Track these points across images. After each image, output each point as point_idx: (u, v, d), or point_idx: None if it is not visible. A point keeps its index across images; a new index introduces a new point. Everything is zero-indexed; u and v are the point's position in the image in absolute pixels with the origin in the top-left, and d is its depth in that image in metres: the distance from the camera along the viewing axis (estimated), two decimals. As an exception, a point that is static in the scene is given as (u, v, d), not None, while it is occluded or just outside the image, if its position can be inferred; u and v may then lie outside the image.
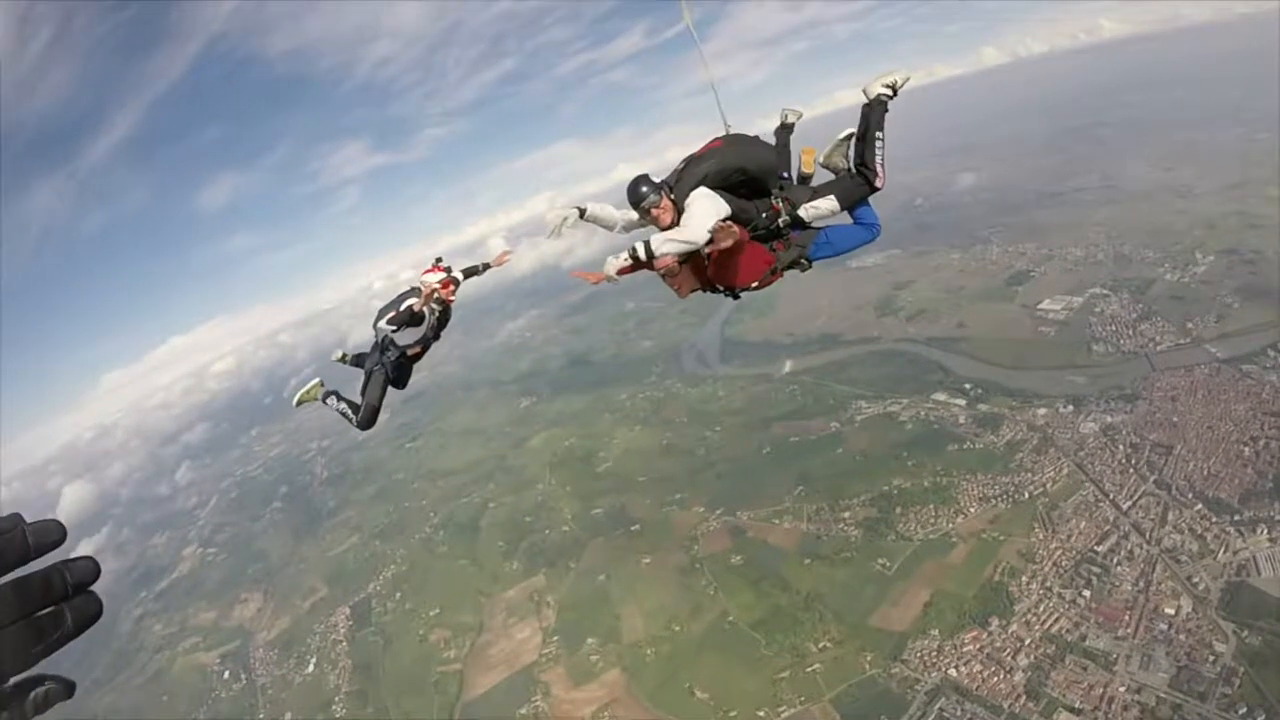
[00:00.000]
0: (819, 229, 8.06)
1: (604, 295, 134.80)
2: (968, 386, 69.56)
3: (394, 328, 9.54)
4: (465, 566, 71.71)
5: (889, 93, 7.63)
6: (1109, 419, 58.53)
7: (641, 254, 6.96)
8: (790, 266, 8.06)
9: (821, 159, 8.18)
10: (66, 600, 1.29)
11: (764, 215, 7.72)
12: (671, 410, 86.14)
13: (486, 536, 75.31)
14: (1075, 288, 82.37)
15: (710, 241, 7.06)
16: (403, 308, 9.45)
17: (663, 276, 7.34)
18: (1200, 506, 47.69)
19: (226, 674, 70.41)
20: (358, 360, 10.48)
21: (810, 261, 8.13)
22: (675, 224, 7.23)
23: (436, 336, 10.06)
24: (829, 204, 7.85)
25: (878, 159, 7.61)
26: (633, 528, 66.68)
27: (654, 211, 7.31)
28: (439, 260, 10.07)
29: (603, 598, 59.39)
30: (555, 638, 57.31)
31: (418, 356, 10.05)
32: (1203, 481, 49.70)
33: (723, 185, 7.44)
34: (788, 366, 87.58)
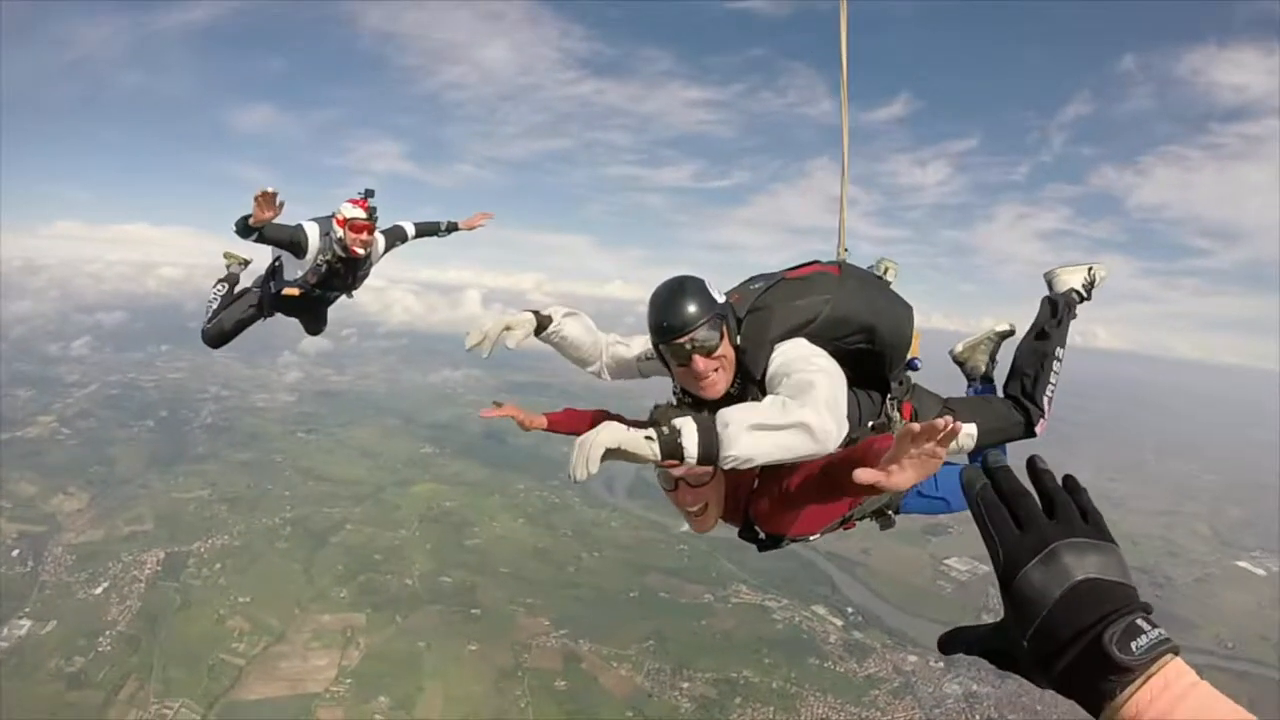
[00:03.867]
0: None
1: (547, 388, 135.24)
2: (850, 610, 69.24)
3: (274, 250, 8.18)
4: (296, 572, 68.96)
5: (1084, 292, 5.59)
6: (975, 687, 58.06)
7: (693, 450, 3.13)
8: (871, 517, 4.89)
9: (958, 350, 6.09)
10: None
11: (870, 425, 4.36)
12: (560, 519, 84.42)
13: (330, 553, 72.68)
14: (985, 556, 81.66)
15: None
16: (299, 228, 7.79)
17: (674, 488, 4.18)
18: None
19: (16, 552, 67.02)
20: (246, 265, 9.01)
21: (896, 515, 5.04)
22: (734, 391, 3.95)
23: (320, 293, 8.32)
24: (965, 433, 4.83)
25: (1049, 389, 5.11)
26: (473, 610, 64.66)
27: (699, 360, 3.79)
28: (368, 195, 7.85)
29: (414, 663, 57.16)
30: (349, 680, 54.96)
31: (291, 301, 8.36)
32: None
33: (833, 350, 4.08)
34: (685, 526, 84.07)
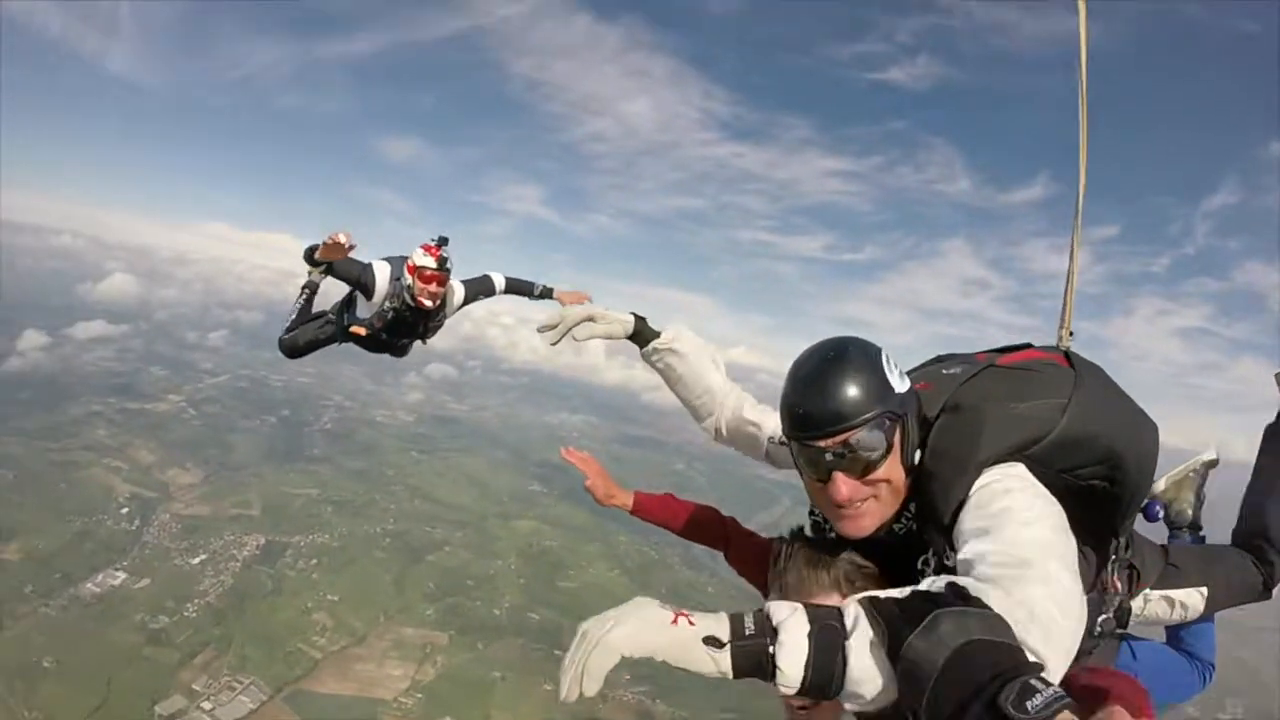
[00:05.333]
0: (1123, 637, 3.47)
1: (662, 445, 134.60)
2: None
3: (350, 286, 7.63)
4: (387, 582, 69.80)
5: None
6: None
7: (794, 675, 1.65)
8: None
9: (1159, 489, 4.62)
10: None
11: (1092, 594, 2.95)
12: (657, 577, 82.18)
13: (423, 571, 73.29)
14: None
15: None
16: (368, 267, 7.31)
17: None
18: None
19: (125, 510, 71.10)
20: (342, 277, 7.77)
21: None
22: (900, 530, 2.51)
23: (388, 341, 7.80)
24: (1193, 599, 3.56)
25: None
26: (556, 651, 62.13)
27: (842, 480, 2.32)
28: (441, 242, 7.22)
29: (486, 691, 56.57)
30: (419, 695, 55.01)
31: (357, 337, 7.87)
32: None
33: (1061, 482, 2.50)
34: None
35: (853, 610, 1.72)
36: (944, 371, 2.74)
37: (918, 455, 2.42)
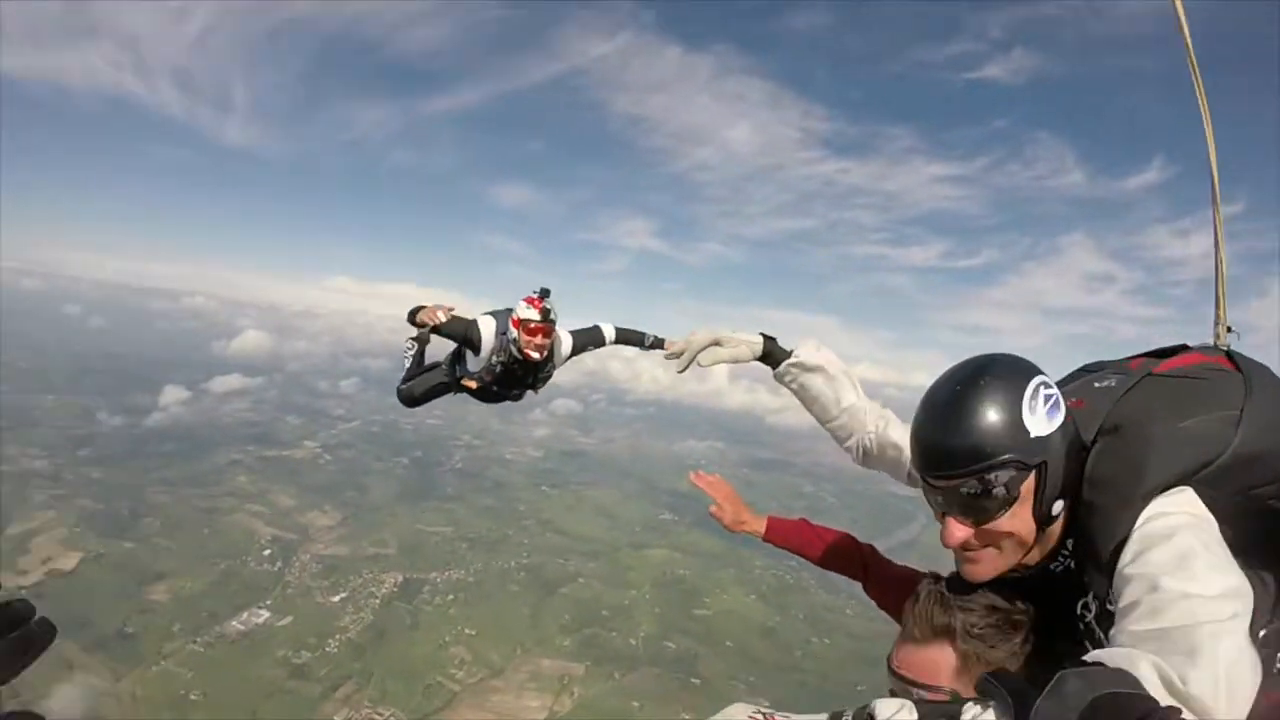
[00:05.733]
0: None
1: (789, 466, 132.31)
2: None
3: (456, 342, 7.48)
4: (524, 615, 70.59)
5: None
6: None
7: None
8: None
9: None
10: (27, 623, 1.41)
11: (1260, 634, 2.13)
12: (793, 601, 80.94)
13: (558, 603, 73.81)
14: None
15: None
16: (473, 324, 7.07)
17: None
18: None
19: (268, 552, 74.89)
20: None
21: None
22: (1059, 569, 2.19)
23: (497, 392, 7.51)
24: None
25: None
26: (693, 680, 62.67)
27: (954, 525, 2.04)
28: (543, 294, 6.93)
29: None
30: None
31: (469, 390, 7.59)
32: None
33: (1236, 505, 2.10)
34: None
35: (972, 710, 1.52)
36: (1096, 385, 2.37)
37: (1084, 492, 2.08)
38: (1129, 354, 2.60)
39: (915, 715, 1.44)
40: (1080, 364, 2.58)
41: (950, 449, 1.94)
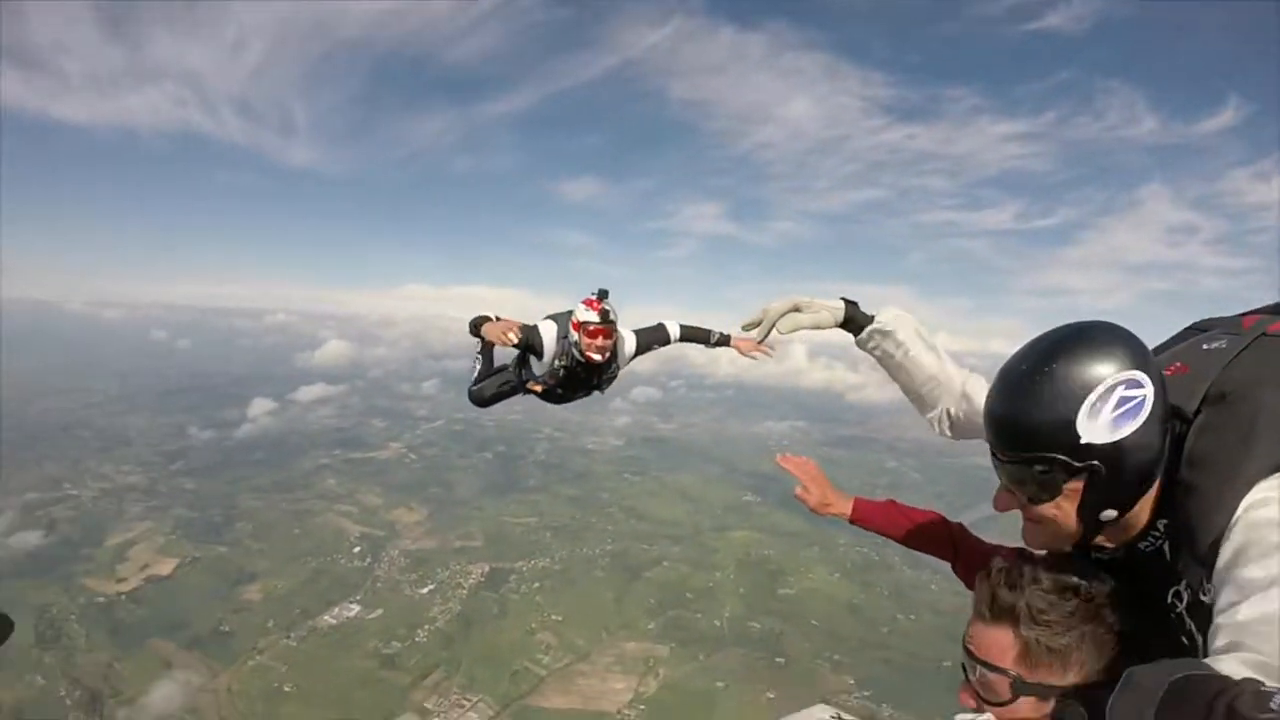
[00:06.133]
0: None
1: (872, 443, 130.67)
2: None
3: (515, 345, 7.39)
4: (608, 599, 71.55)
5: None
6: None
7: None
8: None
9: None
10: None
11: None
12: (878, 577, 79.87)
13: (643, 586, 74.61)
14: None
15: None
16: (534, 329, 7.19)
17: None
18: None
19: (358, 549, 77.85)
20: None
21: None
22: (1149, 547, 2.07)
23: (563, 394, 7.68)
24: None
25: None
26: (778, 659, 62.67)
27: (1002, 493, 2.10)
28: (601, 296, 7.04)
29: (709, 701, 56.57)
30: (642, 706, 55.76)
31: (535, 393, 7.80)
32: None
33: None
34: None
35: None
36: (1204, 347, 2.14)
37: (1182, 470, 1.94)
38: (1216, 310, 2.47)
39: None
40: (1165, 323, 2.30)
41: (1003, 428, 1.95)
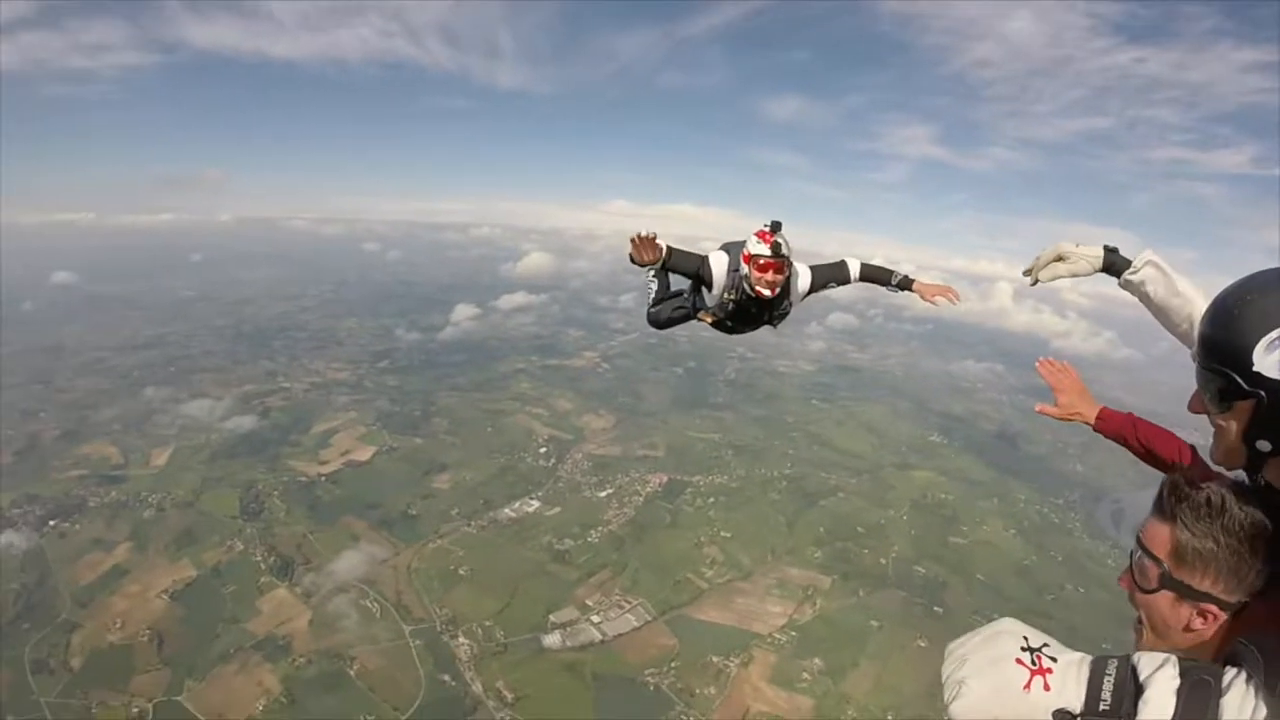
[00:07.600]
0: None
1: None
2: None
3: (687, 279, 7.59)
4: (779, 523, 72.47)
5: None
6: None
7: None
8: None
9: None
10: None
11: None
12: (1054, 541, 76.74)
13: (815, 515, 74.86)
14: None
15: None
16: (704, 260, 7.09)
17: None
18: None
19: (544, 449, 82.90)
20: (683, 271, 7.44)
21: None
22: None
23: (733, 326, 7.59)
24: None
25: None
26: (936, 608, 62.07)
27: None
28: (774, 228, 6.70)
29: (860, 638, 56.81)
30: (794, 634, 56.57)
31: (707, 322, 7.72)
32: None
33: None
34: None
35: (1230, 673, 1.68)
36: None
37: None
38: None
39: (1176, 670, 1.65)
40: None
41: (1201, 337, 2.24)
